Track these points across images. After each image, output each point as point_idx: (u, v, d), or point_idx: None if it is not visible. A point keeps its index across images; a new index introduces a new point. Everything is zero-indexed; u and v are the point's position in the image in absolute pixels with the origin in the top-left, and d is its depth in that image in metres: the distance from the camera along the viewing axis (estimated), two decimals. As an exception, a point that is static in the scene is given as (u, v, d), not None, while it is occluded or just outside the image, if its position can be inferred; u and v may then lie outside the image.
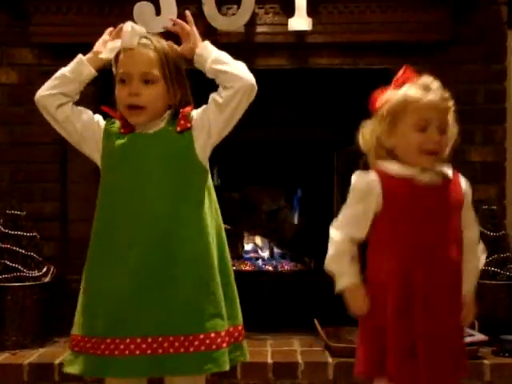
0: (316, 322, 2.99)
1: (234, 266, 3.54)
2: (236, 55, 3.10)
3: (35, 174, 3.14)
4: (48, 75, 3.07)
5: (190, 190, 1.76)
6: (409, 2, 3.02)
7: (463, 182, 1.77)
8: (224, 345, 1.74)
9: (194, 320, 1.73)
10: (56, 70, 3.04)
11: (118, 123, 1.82)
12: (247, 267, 3.60)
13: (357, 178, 1.75)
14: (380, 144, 1.73)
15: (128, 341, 1.69)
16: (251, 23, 3.03)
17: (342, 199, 3.38)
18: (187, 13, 1.92)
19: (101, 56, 1.80)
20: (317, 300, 3.24)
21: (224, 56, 1.80)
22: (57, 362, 2.68)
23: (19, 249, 2.89)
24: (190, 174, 1.76)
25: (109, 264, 1.75)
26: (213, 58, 1.79)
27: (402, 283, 1.67)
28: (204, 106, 1.82)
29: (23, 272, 2.87)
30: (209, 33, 3.03)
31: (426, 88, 1.69)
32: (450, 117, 1.72)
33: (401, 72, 1.76)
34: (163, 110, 1.81)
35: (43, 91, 1.85)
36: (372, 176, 1.72)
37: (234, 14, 3.01)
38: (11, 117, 3.14)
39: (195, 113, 1.82)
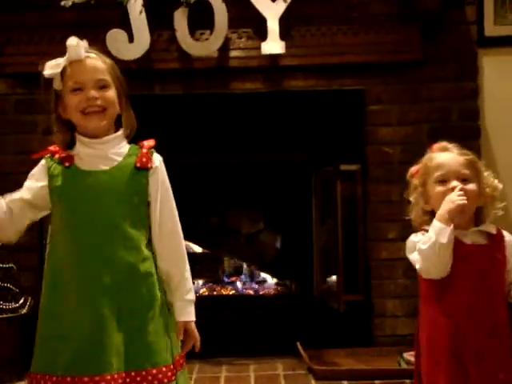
0: (298, 344, 2.98)
1: (215, 290, 3.55)
2: (211, 80, 3.16)
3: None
4: (22, 105, 3.12)
5: (144, 226, 1.74)
6: (380, 24, 3.06)
7: (507, 239, 1.80)
8: (173, 377, 1.73)
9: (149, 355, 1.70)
10: (30, 100, 3.09)
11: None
12: (228, 291, 3.58)
13: (409, 240, 1.81)
14: (424, 212, 1.82)
15: (86, 380, 1.66)
16: (225, 48, 3.04)
17: (320, 220, 3.42)
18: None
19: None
20: (299, 323, 3.23)
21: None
22: (36, 395, 2.63)
23: (-4, 281, 2.86)
24: (141, 209, 1.74)
25: (67, 301, 1.71)
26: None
27: (452, 335, 1.72)
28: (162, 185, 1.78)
29: (0, 304, 2.83)
30: (183, 58, 3.06)
31: (442, 149, 1.82)
32: (472, 170, 1.78)
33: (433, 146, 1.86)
34: (115, 118, 1.79)
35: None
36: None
37: (207, 39, 3.02)
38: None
39: (158, 160, 1.77)
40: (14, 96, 3.13)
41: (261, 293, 3.57)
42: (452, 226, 1.70)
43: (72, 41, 1.75)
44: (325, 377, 2.73)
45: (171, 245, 1.74)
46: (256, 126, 3.30)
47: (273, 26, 2.96)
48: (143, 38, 2.95)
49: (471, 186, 1.75)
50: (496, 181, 1.81)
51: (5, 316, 2.83)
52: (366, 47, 3.08)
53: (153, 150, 1.78)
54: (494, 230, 1.78)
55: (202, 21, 2.98)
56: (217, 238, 3.76)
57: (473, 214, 1.78)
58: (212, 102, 3.24)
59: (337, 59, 3.09)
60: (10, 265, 2.93)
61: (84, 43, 1.76)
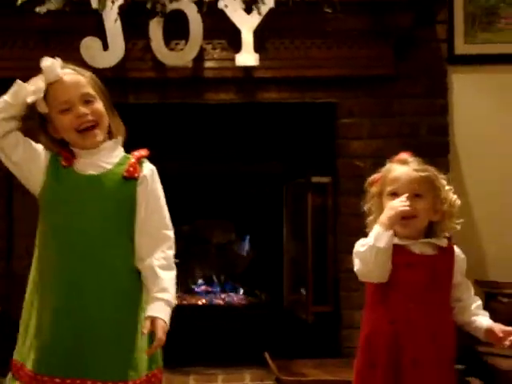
0: (267, 355, 2.98)
1: (184, 300, 3.54)
2: (185, 90, 3.16)
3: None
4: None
5: (131, 236, 1.75)
6: (353, 39, 3.10)
7: (457, 253, 1.84)
8: None
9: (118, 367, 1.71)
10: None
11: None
12: (198, 301, 3.57)
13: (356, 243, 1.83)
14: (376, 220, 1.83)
15: (58, 381, 1.67)
16: (199, 58, 3.06)
17: (291, 231, 3.44)
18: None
19: (29, 100, 1.72)
20: (268, 333, 3.24)
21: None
22: (1, 403, 2.60)
23: (-38, 287, 2.82)
24: (129, 218, 1.75)
25: (46, 301, 1.73)
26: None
27: (391, 343, 1.75)
28: (156, 191, 1.81)
29: (-34, 311, 2.80)
30: (157, 68, 3.06)
31: (401, 162, 1.84)
32: (426, 186, 1.81)
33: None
34: (108, 128, 1.79)
35: None
36: None
37: (181, 49, 3.03)
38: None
39: (148, 169, 1.79)
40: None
41: (231, 303, 3.58)
42: (391, 232, 1.73)
43: (46, 62, 1.73)
44: (292, 387, 2.74)
45: (153, 253, 1.74)
46: (229, 137, 3.31)
47: (247, 38, 2.98)
48: (118, 46, 2.95)
49: (421, 203, 1.77)
50: (455, 197, 1.84)
51: (-29, 323, 2.80)
52: (339, 61, 3.11)
53: (143, 159, 1.79)
54: (444, 244, 1.81)
55: (176, 31, 3.00)
56: (187, 247, 3.75)
57: (424, 228, 1.81)
58: (186, 112, 3.25)
59: (310, 72, 3.13)
60: (-22, 271, 2.90)
61: (58, 61, 1.75)
